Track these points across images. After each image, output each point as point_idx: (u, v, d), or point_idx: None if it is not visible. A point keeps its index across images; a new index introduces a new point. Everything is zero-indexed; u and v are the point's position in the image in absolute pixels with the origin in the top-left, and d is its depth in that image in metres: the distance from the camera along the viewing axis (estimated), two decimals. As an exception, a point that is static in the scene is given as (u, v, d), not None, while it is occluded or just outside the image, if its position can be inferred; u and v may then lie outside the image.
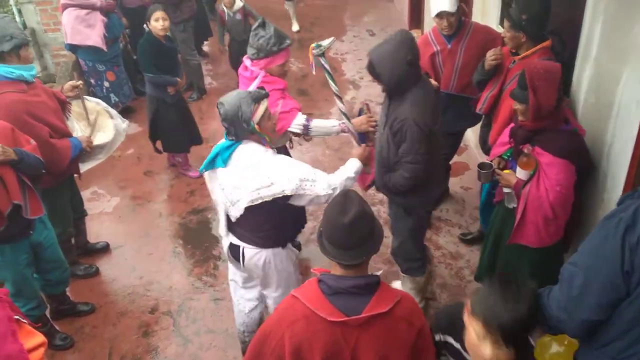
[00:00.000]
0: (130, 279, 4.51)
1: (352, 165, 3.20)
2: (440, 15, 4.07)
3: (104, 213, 5.29)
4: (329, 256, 2.11)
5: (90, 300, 4.30)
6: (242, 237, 3.17)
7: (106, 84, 6.23)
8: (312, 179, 2.96)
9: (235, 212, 3.03)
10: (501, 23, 4.63)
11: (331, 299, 2.04)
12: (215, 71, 7.87)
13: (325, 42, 3.46)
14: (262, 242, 3.14)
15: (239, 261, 3.23)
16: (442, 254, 4.49)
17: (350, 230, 2.03)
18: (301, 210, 4.22)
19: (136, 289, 4.42)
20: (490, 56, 3.73)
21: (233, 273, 3.46)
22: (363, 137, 3.58)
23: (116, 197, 5.51)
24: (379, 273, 2.14)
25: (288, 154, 4.03)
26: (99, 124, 4.35)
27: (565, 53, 3.57)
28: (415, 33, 7.70)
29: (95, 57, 6.02)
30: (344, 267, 2.09)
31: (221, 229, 3.22)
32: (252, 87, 3.58)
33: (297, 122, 3.68)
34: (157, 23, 5.12)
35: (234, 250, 3.22)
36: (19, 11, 7.72)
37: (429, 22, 6.41)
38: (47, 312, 3.96)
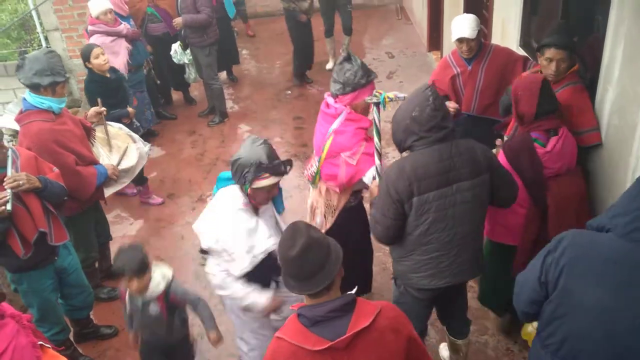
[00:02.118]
0: (152, 303, 4.53)
1: (261, 297, 3.01)
2: (460, 39, 4.10)
3: (127, 236, 5.34)
4: (293, 290, 2.10)
5: (113, 323, 4.32)
6: None
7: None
8: (232, 258, 2.93)
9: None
10: (521, 45, 4.64)
11: (313, 330, 2.02)
12: (236, 95, 7.95)
13: (389, 95, 3.17)
14: None
15: None
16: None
17: (301, 261, 2.03)
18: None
19: (158, 313, 4.43)
20: None
21: None
22: None
23: (139, 220, 5.57)
24: (353, 292, 2.12)
25: (361, 204, 3.83)
26: (123, 148, 4.43)
27: (587, 75, 3.56)
28: (434, 55, 7.73)
29: (119, 83, 6.14)
30: (312, 297, 2.08)
31: None
32: (336, 124, 3.43)
33: (372, 174, 3.31)
34: (99, 59, 5.08)
35: None
36: (46, 38, 7.94)
37: (448, 44, 6.43)
38: (71, 335, 3.99)
